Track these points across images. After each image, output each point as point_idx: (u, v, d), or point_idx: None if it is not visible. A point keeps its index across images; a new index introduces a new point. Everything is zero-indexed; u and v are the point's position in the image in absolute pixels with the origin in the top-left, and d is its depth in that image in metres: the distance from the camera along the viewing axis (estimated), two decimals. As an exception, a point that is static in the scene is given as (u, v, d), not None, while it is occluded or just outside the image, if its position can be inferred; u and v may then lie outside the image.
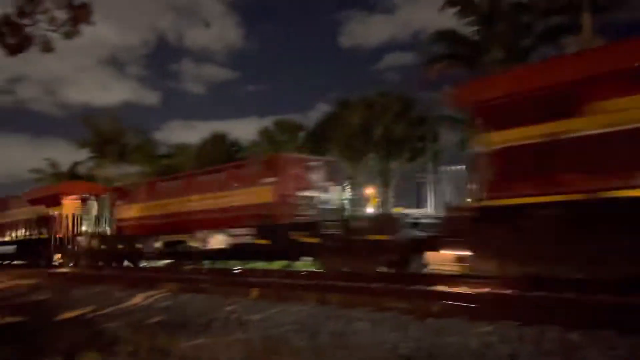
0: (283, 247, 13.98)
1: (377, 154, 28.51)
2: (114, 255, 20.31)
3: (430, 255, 11.94)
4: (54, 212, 22.69)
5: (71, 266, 21.25)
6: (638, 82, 7.40)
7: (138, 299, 10.77)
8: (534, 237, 8.15)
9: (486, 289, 8.49)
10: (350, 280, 10.91)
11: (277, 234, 14.01)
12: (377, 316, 7.00)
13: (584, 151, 7.89)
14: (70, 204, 22.60)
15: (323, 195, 15.66)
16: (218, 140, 39.53)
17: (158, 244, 18.76)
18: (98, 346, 6.41)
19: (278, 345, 6.57)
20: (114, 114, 43.71)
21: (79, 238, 21.80)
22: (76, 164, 47.71)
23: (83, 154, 43.64)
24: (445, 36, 23.05)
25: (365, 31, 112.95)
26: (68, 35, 13.28)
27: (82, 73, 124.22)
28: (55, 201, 22.74)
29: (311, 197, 15.27)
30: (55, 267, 21.43)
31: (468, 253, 9.69)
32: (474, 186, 9.57)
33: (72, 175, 47.73)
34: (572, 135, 7.99)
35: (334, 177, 16.75)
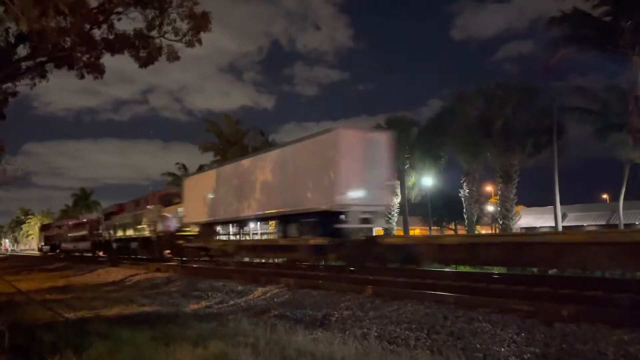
0: None
1: (497, 149, 26.96)
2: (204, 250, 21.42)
3: None
4: (166, 211, 24.84)
5: (179, 260, 22.97)
6: None
7: (257, 292, 11.20)
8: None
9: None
10: (469, 279, 10.42)
11: None
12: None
13: None
14: (175, 206, 24.53)
15: None
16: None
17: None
18: (221, 336, 6.73)
19: (393, 343, 6.42)
20: (234, 117, 46.25)
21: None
22: (201, 167, 51.25)
23: (207, 157, 46.45)
24: (573, 17, 21.12)
25: (478, 22, 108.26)
26: (190, 44, 14.39)
27: (205, 81, 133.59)
28: (167, 202, 25.48)
29: None
30: (166, 260, 23.62)
31: None
32: None
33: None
34: None
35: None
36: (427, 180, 35.20)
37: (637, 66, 19.40)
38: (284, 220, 16.56)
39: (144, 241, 26.78)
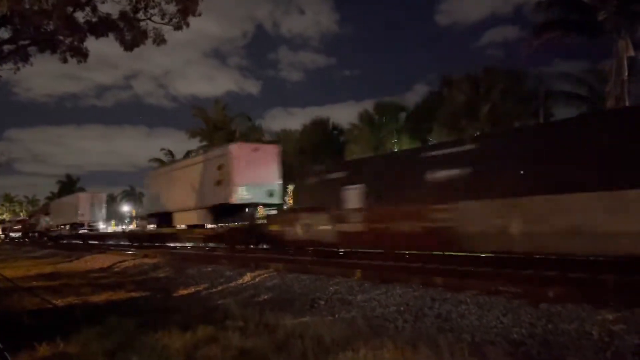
0: None
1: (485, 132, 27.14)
2: None
3: None
4: (42, 217, 53.05)
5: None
6: None
7: (247, 277, 11.21)
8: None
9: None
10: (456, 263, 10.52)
11: None
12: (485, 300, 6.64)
13: None
14: (45, 215, 50.50)
15: None
16: (319, 125, 40.05)
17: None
18: (210, 320, 6.74)
19: (382, 326, 6.48)
20: (222, 103, 45.98)
21: None
22: (189, 152, 50.98)
23: (193, 143, 46.31)
24: (559, 1, 21.14)
25: (463, 7, 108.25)
26: (178, 27, 14.13)
27: (189, 66, 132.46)
28: (46, 212, 49.87)
29: None
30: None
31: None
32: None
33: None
34: None
35: None
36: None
37: (623, 50, 19.50)
38: (202, 211, 22.01)
39: (40, 233, 50.97)
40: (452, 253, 11.22)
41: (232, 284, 10.90)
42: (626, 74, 19.58)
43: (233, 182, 19.36)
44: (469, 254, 10.84)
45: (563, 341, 5.09)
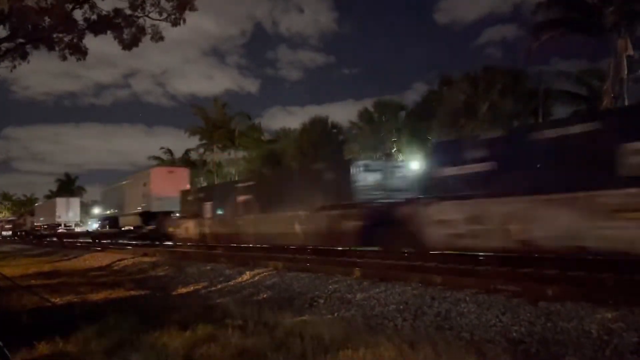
0: None
1: (483, 131, 27.12)
2: None
3: None
4: (28, 218, 54.80)
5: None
6: None
7: (246, 276, 11.21)
8: None
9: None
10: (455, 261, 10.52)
11: None
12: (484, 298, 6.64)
13: None
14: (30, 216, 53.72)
15: None
16: (319, 124, 40.00)
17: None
18: (210, 319, 6.73)
19: (381, 324, 6.48)
20: (221, 101, 45.98)
21: None
22: (188, 150, 51.03)
23: (192, 141, 46.40)
24: (560, 0, 21.13)
25: (461, 6, 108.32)
26: (175, 23, 14.14)
27: (188, 65, 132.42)
28: (32, 213, 52.01)
29: None
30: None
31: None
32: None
33: (185, 161, 51.15)
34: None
35: None
36: (414, 164, 35.35)
37: (622, 49, 19.50)
38: (136, 216, 29.29)
39: (26, 232, 56.74)
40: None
41: (232, 283, 10.90)
42: (625, 72, 19.59)
43: (152, 196, 27.37)
44: (468, 254, 10.83)
45: (562, 339, 5.09)
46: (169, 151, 51.88)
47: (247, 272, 11.49)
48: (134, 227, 29.82)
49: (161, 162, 51.67)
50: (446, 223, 10.41)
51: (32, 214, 55.79)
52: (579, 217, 8.13)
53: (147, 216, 27.83)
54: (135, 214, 29.39)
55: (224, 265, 13.27)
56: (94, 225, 43.94)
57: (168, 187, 26.75)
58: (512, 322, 5.73)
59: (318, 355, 4.89)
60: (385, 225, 12.30)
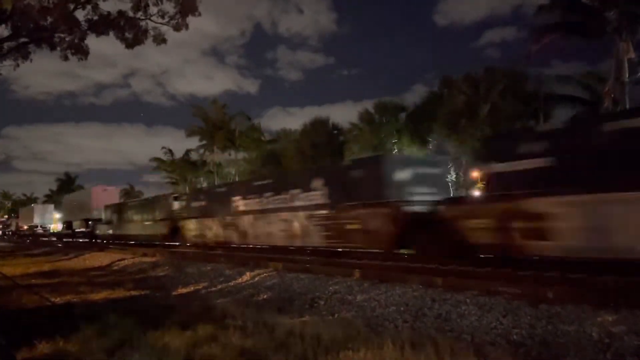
0: None
1: (484, 133, 27.11)
2: None
3: None
4: (13, 222, 62.62)
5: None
6: None
7: (246, 277, 11.21)
8: None
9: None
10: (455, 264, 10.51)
11: None
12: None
13: None
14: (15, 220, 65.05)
15: None
16: (319, 124, 39.98)
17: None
18: (210, 319, 6.73)
19: (381, 326, 6.48)
20: (221, 102, 45.99)
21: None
22: (188, 151, 51.01)
23: (192, 141, 46.53)
24: (561, 3, 21.12)
25: (461, 8, 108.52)
26: (177, 28, 14.16)
27: (187, 65, 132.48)
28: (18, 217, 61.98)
29: None
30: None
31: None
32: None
33: (186, 161, 51.17)
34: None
35: None
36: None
37: (624, 52, 19.51)
38: (83, 222, 40.83)
39: (12, 232, 65.20)
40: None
41: (232, 283, 10.90)
42: (627, 75, 19.60)
43: (91, 207, 38.90)
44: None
45: (563, 342, 5.09)
46: (170, 151, 51.89)
47: (247, 273, 11.49)
48: (82, 229, 40.89)
49: (161, 162, 51.74)
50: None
51: (17, 217, 67.18)
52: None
53: (88, 221, 39.40)
54: (82, 219, 40.98)
55: (224, 265, 13.26)
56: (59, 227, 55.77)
57: (102, 202, 37.01)
58: (513, 325, 5.74)
59: (318, 355, 4.89)
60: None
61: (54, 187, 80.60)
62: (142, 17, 14.29)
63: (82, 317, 6.97)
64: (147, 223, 27.02)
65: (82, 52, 14.99)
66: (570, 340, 5.11)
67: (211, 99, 50.68)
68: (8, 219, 78.98)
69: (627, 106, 19.48)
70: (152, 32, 14.56)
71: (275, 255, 14.80)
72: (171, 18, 14.39)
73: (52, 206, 58.93)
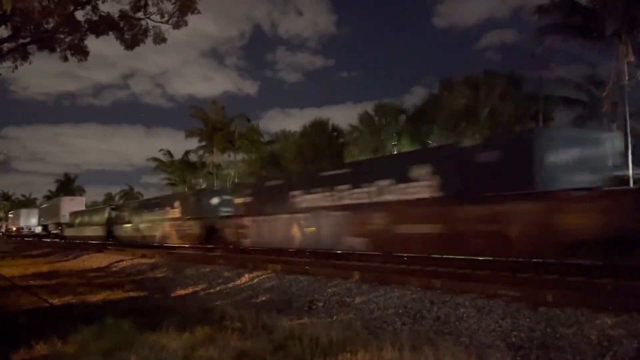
0: None
1: (484, 136, 27.11)
2: None
3: None
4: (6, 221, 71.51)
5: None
6: None
7: (245, 278, 11.19)
8: None
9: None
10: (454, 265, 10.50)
11: None
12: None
13: None
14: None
15: None
16: (319, 126, 39.99)
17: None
18: (208, 321, 6.72)
19: (380, 328, 6.46)
20: (220, 103, 46.02)
21: None
22: (187, 152, 51.02)
23: (191, 143, 46.61)
24: (561, 6, 21.16)
25: (460, 10, 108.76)
26: (176, 26, 14.14)
27: (186, 66, 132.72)
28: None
29: None
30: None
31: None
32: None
33: (185, 163, 51.18)
34: None
35: None
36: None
37: (622, 55, 19.53)
38: (56, 225, 49.70)
39: (2, 233, 73.72)
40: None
41: (230, 285, 10.88)
42: (626, 78, 19.62)
43: (61, 213, 47.07)
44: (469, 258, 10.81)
45: (562, 345, 5.08)
46: (169, 153, 51.94)
47: (246, 275, 11.46)
48: (55, 231, 48.74)
49: (160, 163, 51.77)
50: None
51: (7, 219, 74.88)
52: None
53: (59, 225, 47.66)
54: (54, 223, 49.33)
55: (223, 267, 13.24)
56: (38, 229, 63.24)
57: (70, 209, 45.89)
58: (511, 327, 5.72)
59: (316, 358, 4.88)
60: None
61: (53, 188, 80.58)
62: (142, 17, 14.29)
63: (80, 319, 6.95)
64: (91, 227, 37.16)
65: (82, 52, 14.98)
66: (569, 343, 5.10)
67: (210, 100, 50.66)
68: (0, 220, 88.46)
69: (627, 109, 19.50)
70: (151, 32, 14.55)
71: (274, 257, 14.78)
72: (171, 16, 14.39)
73: (36, 210, 65.92)
